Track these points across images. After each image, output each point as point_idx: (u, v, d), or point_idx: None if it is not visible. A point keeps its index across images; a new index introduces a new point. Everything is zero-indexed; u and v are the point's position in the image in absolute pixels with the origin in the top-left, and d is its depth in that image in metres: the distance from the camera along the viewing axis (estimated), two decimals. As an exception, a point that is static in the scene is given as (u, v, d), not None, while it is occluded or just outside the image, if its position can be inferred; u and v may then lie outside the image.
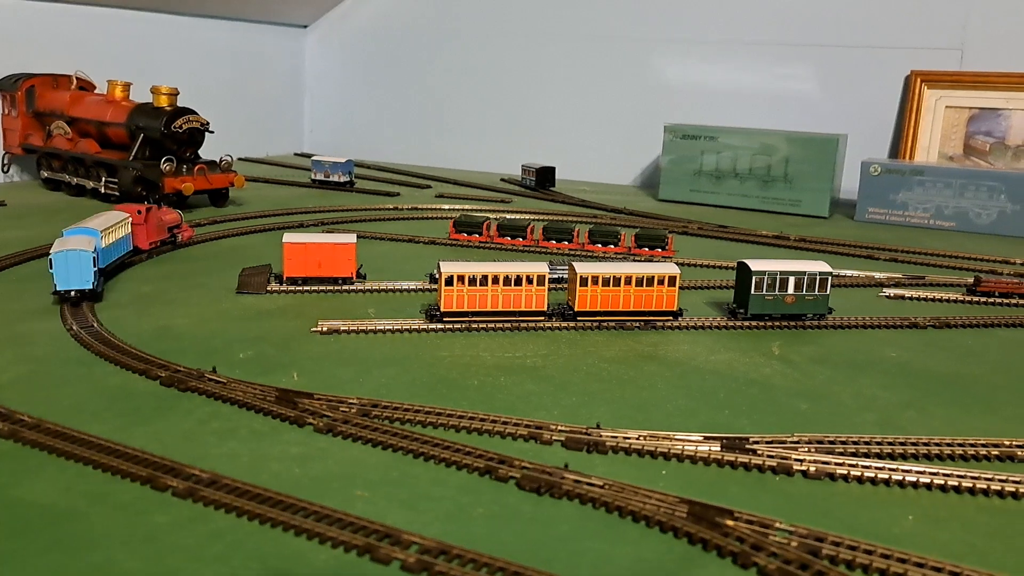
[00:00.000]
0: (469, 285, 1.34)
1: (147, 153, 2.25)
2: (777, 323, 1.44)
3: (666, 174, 2.92)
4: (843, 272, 1.85)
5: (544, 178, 3.04)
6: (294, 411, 0.98)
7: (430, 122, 3.70)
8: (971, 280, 1.72)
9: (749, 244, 2.21)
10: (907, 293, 1.69)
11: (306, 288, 1.52)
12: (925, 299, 1.67)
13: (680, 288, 1.40)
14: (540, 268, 1.37)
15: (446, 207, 2.56)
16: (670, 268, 1.41)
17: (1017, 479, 0.87)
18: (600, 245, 1.99)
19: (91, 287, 1.37)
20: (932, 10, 2.86)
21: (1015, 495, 0.86)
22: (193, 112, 2.26)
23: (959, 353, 1.34)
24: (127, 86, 2.42)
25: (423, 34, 3.66)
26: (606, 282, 1.38)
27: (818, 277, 1.43)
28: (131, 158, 2.24)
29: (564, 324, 1.39)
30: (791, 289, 1.43)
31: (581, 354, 1.26)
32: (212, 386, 1.05)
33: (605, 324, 1.40)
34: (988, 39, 2.81)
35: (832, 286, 1.45)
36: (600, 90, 3.36)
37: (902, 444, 0.95)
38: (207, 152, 2.42)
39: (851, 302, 1.63)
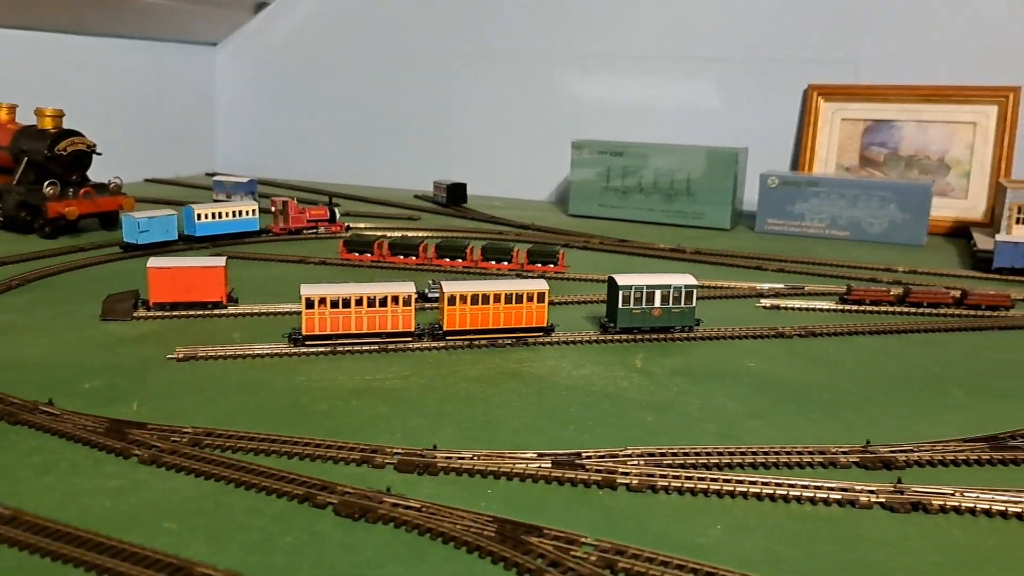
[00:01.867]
0: (331, 307, 1.33)
1: (32, 177, 2.19)
2: (647, 336, 1.47)
3: (575, 189, 2.95)
4: (723, 283, 1.89)
5: (456, 194, 3.04)
6: (121, 443, 0.95)
7: (344, 140, 3.69)
8: (843, 289, 1.77)
9: (645, 258, 2.24)
10: (782, 303, 1.73)
11: (174, 314, 1.49)
12: (799, 308, 1.71)
13: (558, 303, 1.41)
14: (406, 288, 1.37)
15: (343, 226, 2.54)
16: (539, 284, 1.42)
17: (831, 485, 0.90)
18: (494, 262, 2.00)
19: (135, 242, 2.02)
20: (827, 25, 2.95)
21: (826, 501, 0.88)
22: (79, 134, 2.22)
23: (817, 361, 1.38)
24: (13, 108, 2.36)
25: (335, 51, 3.65)
26: (475, 300, 1.39)
27: (684, 290, 1.46)
28: (15, 182, 2.18)
29: (433, 344, 1.38)
30: (658, 302, 1.45)
31: (444, 374, 1.26)
32: (43, 419, 1.02)
33: (476, 343, 1.40)
34: (880, 53, 2.90)
35: (700, 298, 1.48)
36: (513, 106, 3.39)
37: (731, 454, 0.97)
38: (107, 174, 2.37)
39: (726, 313, 1.66)
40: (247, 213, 2.21)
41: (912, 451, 1.00)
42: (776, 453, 0.98)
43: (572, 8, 3.25)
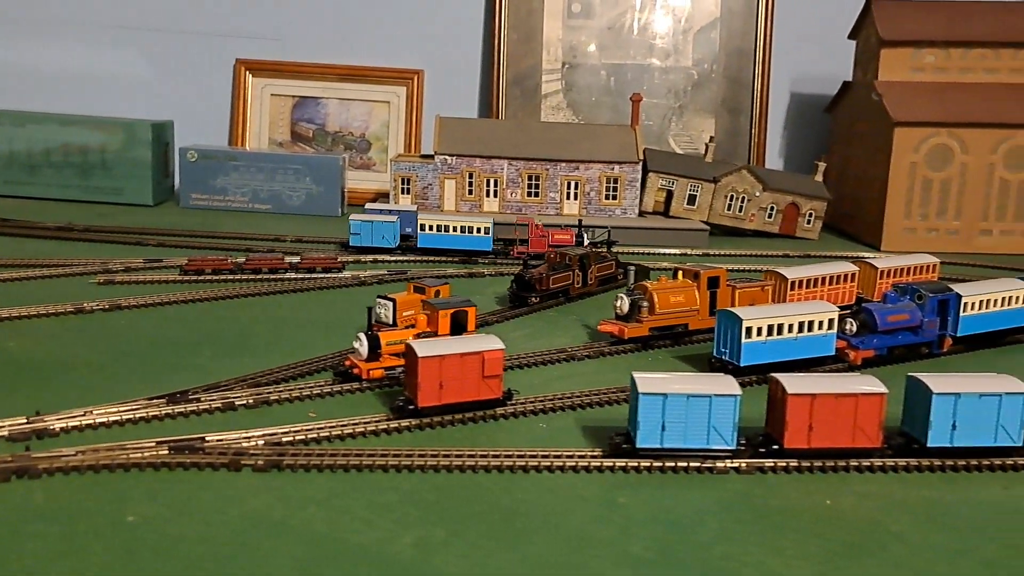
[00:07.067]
0: None
1: None
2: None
3: (-29, 165, 2.60)
4: (78, 260, 1.79)
5: None
6: None
7: None
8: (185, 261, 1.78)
9: (25, 239, 2.04)
10: (121, 278, 1.69)
11: None
12: (139, 282, 1.68)
13: None
14: None
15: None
16: None
17: None
18: None
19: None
20: (254, 0, 2.98)
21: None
22: None
23: (79, 335, 1.34)
24: None
25: None
26: None
27: (-61, 271, 1.32)
28: None
29: None
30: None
31: None
32: None
33: None
34: (304, 32, 3.01)
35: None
36: None
37: None
38: None
39: (49, 292, 1.56)
40: (479, 230, 2.00)
41: (84, 416, 1.00)
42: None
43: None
